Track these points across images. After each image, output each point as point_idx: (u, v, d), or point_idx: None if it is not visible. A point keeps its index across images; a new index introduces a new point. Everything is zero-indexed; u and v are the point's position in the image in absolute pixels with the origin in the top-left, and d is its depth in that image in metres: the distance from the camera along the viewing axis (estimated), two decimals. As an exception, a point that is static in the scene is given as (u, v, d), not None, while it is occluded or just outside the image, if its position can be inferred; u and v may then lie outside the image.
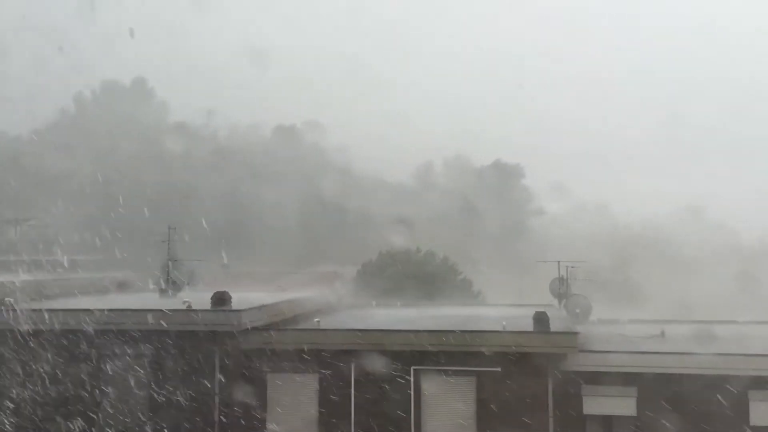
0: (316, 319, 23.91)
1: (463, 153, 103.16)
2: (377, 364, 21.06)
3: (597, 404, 20.50)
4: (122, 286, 34.32)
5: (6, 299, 22.51)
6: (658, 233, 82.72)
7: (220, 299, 21.77)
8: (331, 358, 21.20)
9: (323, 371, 21.24)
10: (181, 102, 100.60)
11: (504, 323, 21.85)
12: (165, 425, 20.37)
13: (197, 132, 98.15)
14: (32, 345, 21.35)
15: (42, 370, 21.14)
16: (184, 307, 22.38)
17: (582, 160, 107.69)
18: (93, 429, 20.34)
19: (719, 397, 19.63)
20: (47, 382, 21.06)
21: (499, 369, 20.56)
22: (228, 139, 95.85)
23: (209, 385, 20.59)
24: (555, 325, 21.43)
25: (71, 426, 20.20)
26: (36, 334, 21.37)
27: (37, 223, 72.21)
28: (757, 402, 19.69)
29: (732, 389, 19.66)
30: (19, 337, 21.49)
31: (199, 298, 23.74)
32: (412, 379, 20.99)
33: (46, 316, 22.33)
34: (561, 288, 30.51)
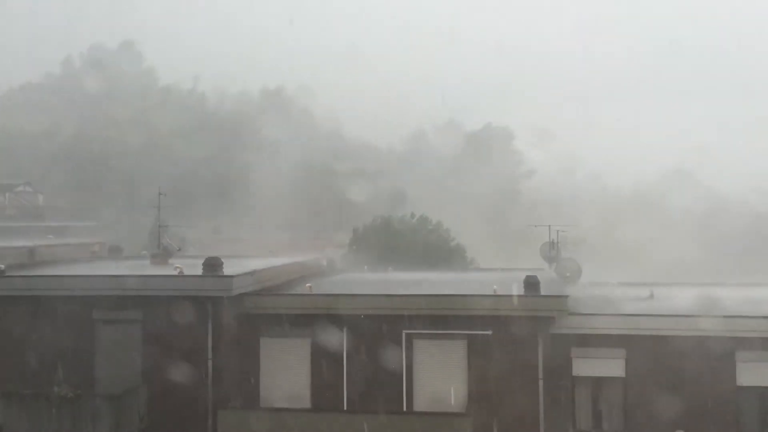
0: (308, 284, 23.96)
1: (454, 117, 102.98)
2: (369, 329, 21.22)
3: (586, 366, 20.72)
4: (114, 252, 34.26)
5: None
6: (647, 196, 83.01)
7: (212, 265, 21.72)
8: (323, 323, 21.30)
9: (315, 336, 21.34)
10: (169, 66, 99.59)
11: (495, 287, 21.97)
12: (157, 391, 20.48)
13: (186, 97, 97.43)
14: (24, 311, 21.37)
15: (34, 336, 21.17)
16: (175, 272, 22.39)
17: (573, 122, 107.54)
18: (85, 395, 20.40)
19: (707, 358, 19.88)
20: (40, 347, 21.10)
21: (490, 332, 20.73)
22: (217, 104, 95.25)
23: (202, 351, 20.66)
24: (545, 289, 21.56)
25: (64, 391, 20.26)
26: (28, 299, 21.41)
27: (26, 188, 71.88)
28: (743, 363, 19.96)
29: (719, 350, 19.91)
30: (11, 302, 21.55)
31: (191, 263, 23.74)
32: (403, 342, 21.13)
33: (38, 281, 22.37)
34: (551, 251, 30.73)
